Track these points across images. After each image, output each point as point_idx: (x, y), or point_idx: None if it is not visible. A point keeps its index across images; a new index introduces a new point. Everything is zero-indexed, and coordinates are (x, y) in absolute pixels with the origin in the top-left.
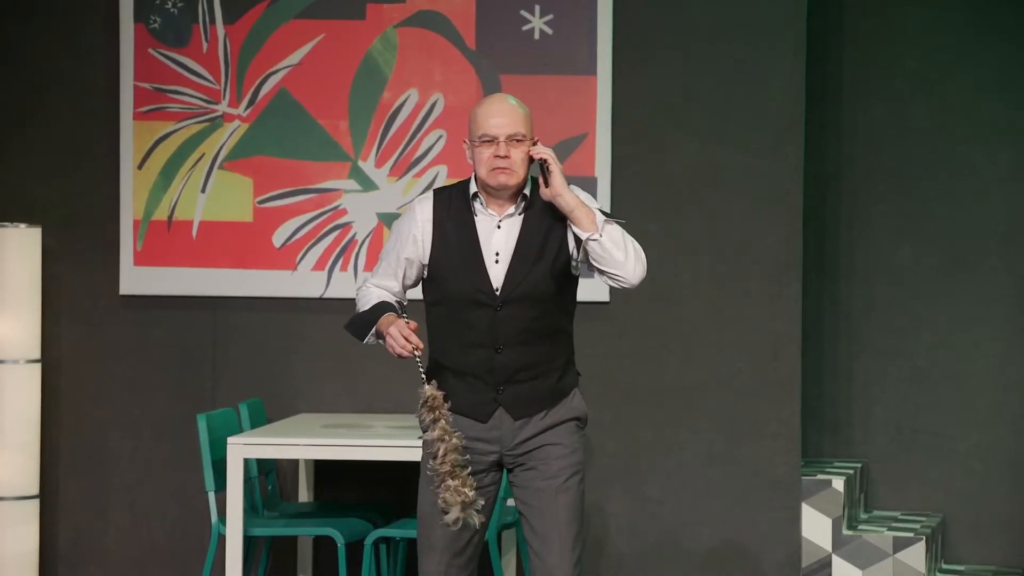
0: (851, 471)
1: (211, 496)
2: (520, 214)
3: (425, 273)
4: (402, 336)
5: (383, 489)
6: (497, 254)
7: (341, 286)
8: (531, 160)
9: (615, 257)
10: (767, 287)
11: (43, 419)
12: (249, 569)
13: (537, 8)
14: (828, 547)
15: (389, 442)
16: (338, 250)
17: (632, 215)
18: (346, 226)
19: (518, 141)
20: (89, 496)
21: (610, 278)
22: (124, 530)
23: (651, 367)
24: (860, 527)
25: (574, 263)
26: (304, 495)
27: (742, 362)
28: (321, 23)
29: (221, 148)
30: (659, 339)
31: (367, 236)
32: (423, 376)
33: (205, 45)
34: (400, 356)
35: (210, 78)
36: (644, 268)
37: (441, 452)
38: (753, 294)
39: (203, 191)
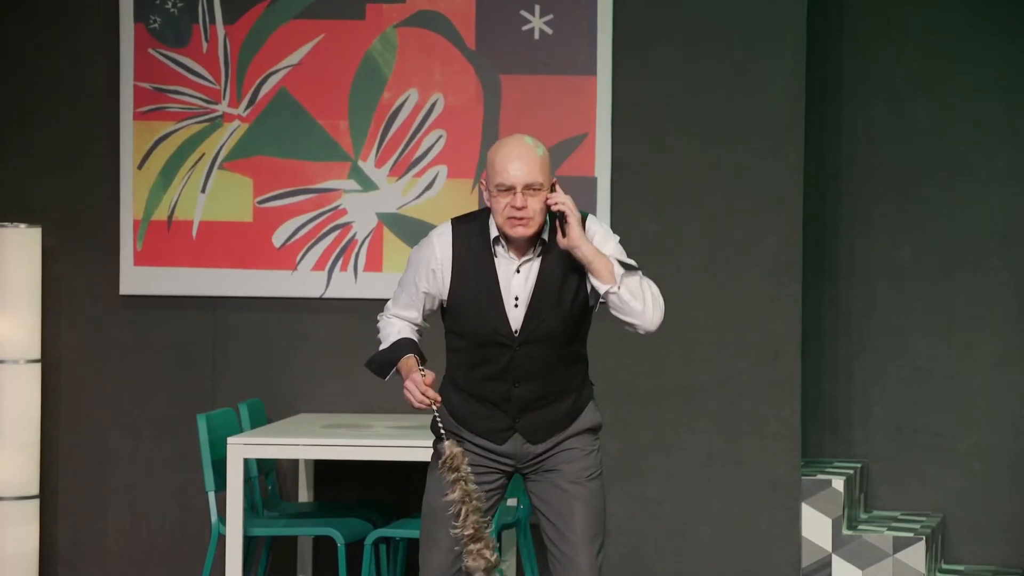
0: (851, 471)
1: (211, 496)
2: (538, 257)
3: (444, 304)
4: (419, 391)
5: (383, 489)
6: (516, 298)
7: (341, 286)
8: (548, 207)
9: (633, 307)
10: (767, 287)
11: (43, 419)
12: (249, 569)
13: (537, 8)
14: (828, 547)
15: (389, 442)
16: (338, 250)
17: (632, 215)
18: (346, 226)
19: (535, 190)
20: (89, 496)
21: (628, 325)
22: (124, 530)
23: (651, 367)
24: (860, 527)
25: (592, 304)
26: (304, 495)
27: (742, 362)
28: (321, 23)
29: (221, 148)
30: (659, 339)
31: (367, 236)
32: (442, 433)
33: (205, 45)
34: (417, 409)
35: (210, 78)
36: (662, 314)
37: (463, 515)
38: (753, 294)
39: (203, 191)
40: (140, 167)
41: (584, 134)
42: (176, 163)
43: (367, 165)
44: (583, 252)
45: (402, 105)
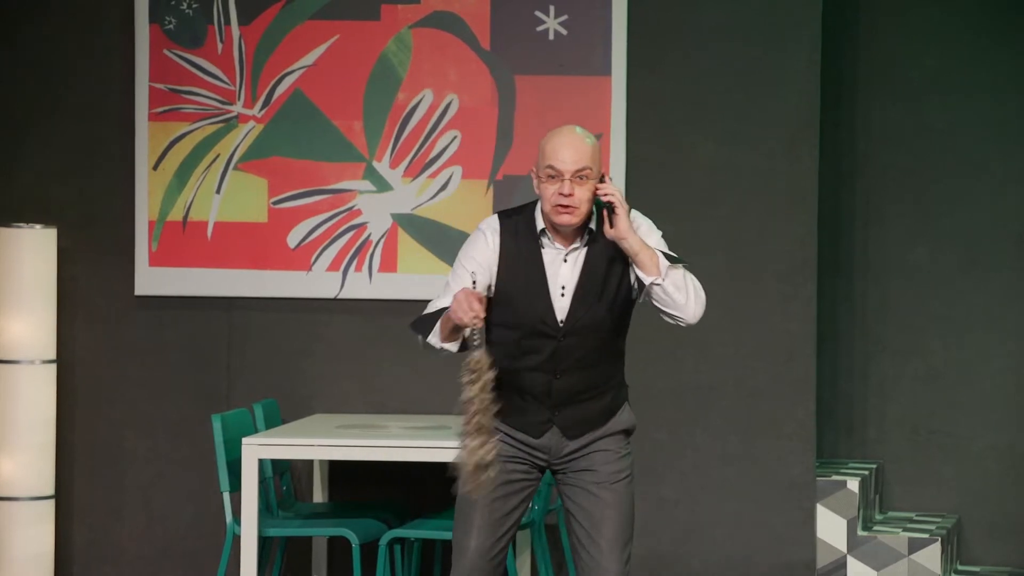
0: (866, 472)
1: (226, 496)
2: (585, 247)
3: (490, 293)
4: (466, 303)
5: (398, 489)
6: (563, 288)
7: (356, 286)
8: (595, 198)
9: (676, 300)
10: (782, 287)
11: (59, 419)
12: (264, 569)
13: (552, 9)
14: (843, 548)
15: (404, 442)
16: (353, 250)
17: (647, 215)
18: (361, 226)
19: (583, 178)
20: (104, 496)
21: (669, 318)
22: (139, 530)
23: (666, 367)
24: (875, 528)
25: (636, 297)
26: (319, 495)
27: (757, 362)
28: (336, 24)
29: (236, 149)
30: (674, 340)
31: (382, 236)
32: (476, 342)
33: (220, 46)
34: (460, 323)
35: (225, 79)
36: (703, 307)
37: (472, 414)
38: (768, 294)
39: (218, 192)
40: (155, 168)
41: (599, 135)
42: (191, 164)
43: (382, 166)
44: (630, 243)
45: (417, 106)
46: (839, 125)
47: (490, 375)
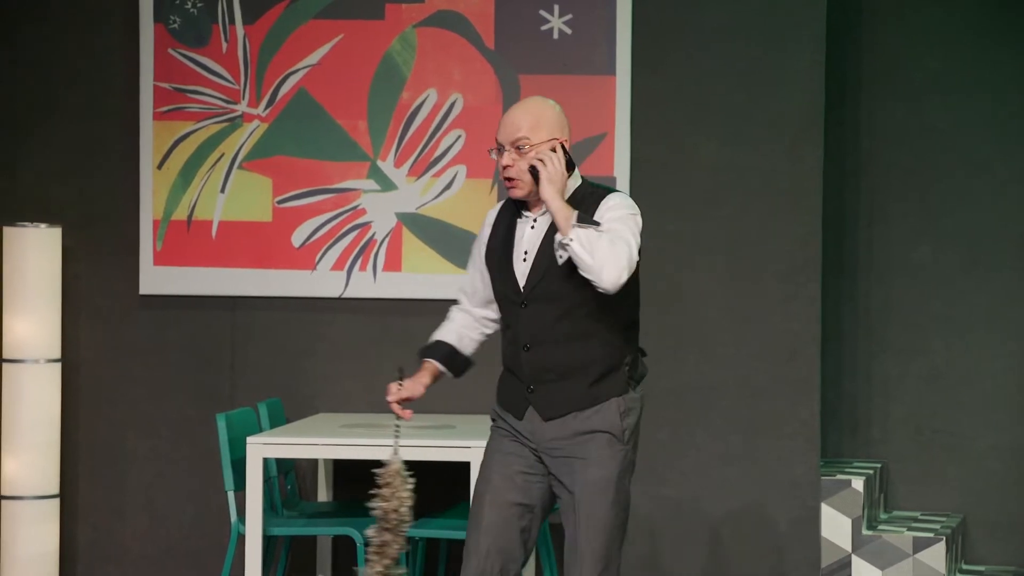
0: (870, 471)
1: (230, 496)
2: None
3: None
4: (389, 397)
5: None
6: (525, 253)
7: (360, 286)
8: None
9: (584, 260)
10: (785, 287)
11: (63, 418)
12: (268, 569)
13: (556, 8)
14: (848, 547)
15: (408, 442)
16: (357, 250)
17: (651, 215)
18: (365, 226)
19: (520, 148)
20: (108, 495)
21: (592, 284)
22: (143, 529)
23: (669, 366)
24: (880, 527)
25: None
26: (323, 494)
27: (760, 362)
28: (340, 23)
29: (240, 148)
30: (677, 339)
31: (386, 236)
32: (395, 439)
33: (224, 45)
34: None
35: (229, 78)
36: (619, 273)
37: (380, 528)
38: (771, 294)
39: (222, 191)
40: (160, 167)
41: (603, 134)
42: (195, 163)
43: (386, 165)
44: (550, 205)
45: (421, 105)
46: (843, 124)
47: (406, 488)
